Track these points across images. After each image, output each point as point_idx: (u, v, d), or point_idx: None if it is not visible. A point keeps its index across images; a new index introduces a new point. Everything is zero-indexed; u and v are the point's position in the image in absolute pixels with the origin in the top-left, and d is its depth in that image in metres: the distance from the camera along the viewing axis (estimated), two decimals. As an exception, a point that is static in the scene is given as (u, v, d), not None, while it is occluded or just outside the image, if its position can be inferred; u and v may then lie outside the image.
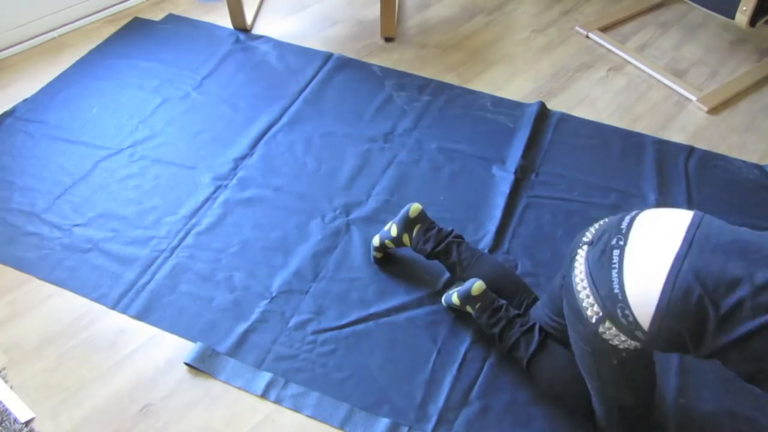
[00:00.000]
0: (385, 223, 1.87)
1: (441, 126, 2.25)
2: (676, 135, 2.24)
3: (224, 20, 2.79)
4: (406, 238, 1.72)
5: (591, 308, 1.23)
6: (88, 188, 1.99)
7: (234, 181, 2.03)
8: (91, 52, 2.56)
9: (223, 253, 1.82)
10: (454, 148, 2.16)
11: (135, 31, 2.69)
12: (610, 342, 1.23)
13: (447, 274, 1.77)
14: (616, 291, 1.18)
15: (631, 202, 1.98)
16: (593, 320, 1.22)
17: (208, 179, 2.04)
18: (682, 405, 1.52)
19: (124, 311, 1.68)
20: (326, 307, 1.69)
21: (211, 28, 2.71)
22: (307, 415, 1.49)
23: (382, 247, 1.79)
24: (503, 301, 1.57)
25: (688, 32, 2.74)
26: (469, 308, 1.60)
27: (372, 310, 1.68)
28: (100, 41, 2.64)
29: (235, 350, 1.60)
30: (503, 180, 2.05)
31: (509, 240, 1.87)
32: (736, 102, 2.38)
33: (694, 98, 2.38)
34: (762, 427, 1.49)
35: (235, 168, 2.07)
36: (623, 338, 1.21)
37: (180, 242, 1.85)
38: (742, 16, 2.23)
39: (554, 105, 2.36)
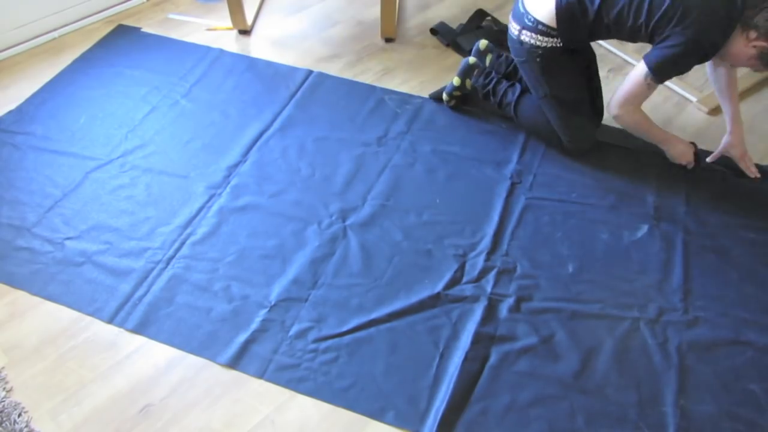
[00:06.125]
0: (382, 227, 1.94)
1: (434, 128, 2.31)
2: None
3: (224, 21, 2.85)
4: (468, 83, 2.35)
5: (513, 29, 2.07)
6: (78, 200, 2.03)
7: (228, 189, 2.07)
8: (76, 61, 2.60)
9: (219, 262, 1.87)
10: (449, 150, 2.22)
11: (120, 38, 2.74)
12: (532, 43, 2.03)
13: (446, 277, 1.83)
14: (521, 10, 2.03)
15: (628, 203, 2.05)
16: (515, 34, 2.07)
17: (202, 188, 2.08)
18: (682, 406, 1.57)
19: (121, 325, 1.72)
20: (326, 314, 1.74)
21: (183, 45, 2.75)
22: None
23: (450, 98, 2.39)
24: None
25: (688, 33, 2.81)
26: (468, 81, 2.33)
27: (372, 316, 1.73)
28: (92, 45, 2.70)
29: (236, 361, 1.64)
30: (500, 182, 2.11)
31: (507, 242, 1.92)
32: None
33: (694, 99, 2.45)
34: (762, 428, 1.55)
35: (229, 176, 2.12)
36: (540, 38, 2.00)
37: (175, 253, 1.89)
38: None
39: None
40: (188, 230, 1.95)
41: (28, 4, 2.63)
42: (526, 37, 2.02)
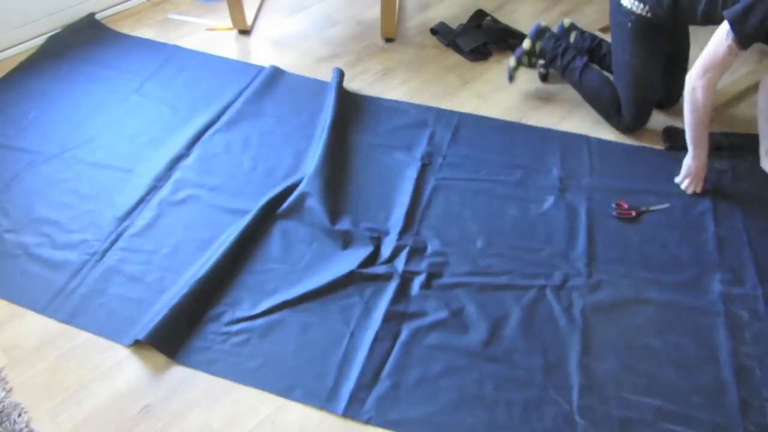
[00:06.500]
0: (302, 215, 2.00)
1: (353, 120, 2.37)
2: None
3: (224, 21, 2.90)
4: (538, 45, 2.43)
5: None
6: (21, 194, 2.09)
7: (170, 182, 2.12)
8: (31, 57, 2.67)
9: (154, 254, 1.91)
10: (361, 139, 2.29)
11: (78, 34, 2.80)
12: (628, 7, 2.07)
13: (360, 259, 1.86)
14: None
15: (535, 177, 2.11)
16: None
17: (144, 181, 2.13)
18: (586, 366, 1.63)
19: (53, 315, 1.76)
20: (241, 298, 1.79)
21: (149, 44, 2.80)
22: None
23: (518, 63, 2.45)
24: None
25: (688, 33, 2.81)
26: (538, 44, 2.41)
27: (286, 298, 1.78)
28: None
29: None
30: (410, 165, 2.16)
31: (418, 222, 1.98)
32: (737, 103, 2.44)
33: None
34: (657, 379, 1.61)
35: (171, 169, 2.17)
36: (637, 4, 2.03)
37: (112, 245, 1.94)
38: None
39: (555, 106, 2.44)
40: (126, 223, 2.00)
41: (28, 5, 2.70)
42: (626, 1, 2.09)
